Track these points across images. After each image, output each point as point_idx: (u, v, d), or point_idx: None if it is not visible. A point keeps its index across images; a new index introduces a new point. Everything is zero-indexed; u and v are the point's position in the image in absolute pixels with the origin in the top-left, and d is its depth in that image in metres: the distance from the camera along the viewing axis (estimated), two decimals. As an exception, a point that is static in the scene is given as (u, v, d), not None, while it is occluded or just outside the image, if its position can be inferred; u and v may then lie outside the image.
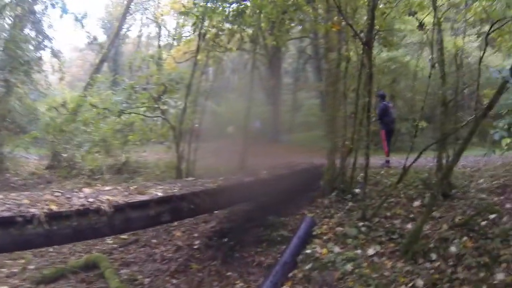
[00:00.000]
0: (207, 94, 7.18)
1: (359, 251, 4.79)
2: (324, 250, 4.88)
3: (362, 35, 5.35)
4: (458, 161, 4.63)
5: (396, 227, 5.31)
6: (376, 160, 8.45)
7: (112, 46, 16.33)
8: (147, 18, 24.11)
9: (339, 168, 6.87)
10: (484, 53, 5.79)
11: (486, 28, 8.90)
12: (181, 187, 4.47)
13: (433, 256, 4.45)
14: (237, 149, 13.66)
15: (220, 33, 7.38)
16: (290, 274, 4.46)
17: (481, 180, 6.50)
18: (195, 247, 5.62)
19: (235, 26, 7.53)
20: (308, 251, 4.85)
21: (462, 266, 4.18)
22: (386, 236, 5.09)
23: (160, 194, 3.89)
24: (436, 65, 6.51)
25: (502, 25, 4.84)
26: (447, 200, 5.86)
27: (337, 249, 4.93)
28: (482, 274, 3.95)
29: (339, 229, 5.39)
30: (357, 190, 6.63)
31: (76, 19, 7.19)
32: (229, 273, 4.73)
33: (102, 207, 3.17)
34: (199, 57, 6.95)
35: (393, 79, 12.01)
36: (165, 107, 6.94)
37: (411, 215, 5.63)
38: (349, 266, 4.39)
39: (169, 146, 7.46)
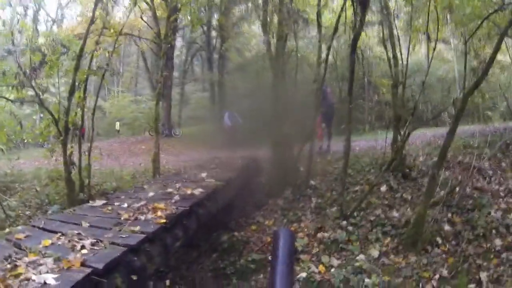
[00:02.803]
0: (103, 73, 4.70)
1: (361, 256, 3.83)
2: (321, 268, 3.62)
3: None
4: (452, 140, 4.08)
5: (382, 218, 4.54)
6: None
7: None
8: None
9: (289, 160, 5.66)
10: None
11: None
12: (95, 239, 2.10)
13: (439, 240, 4.03)
14: (133, 148, 11.20)
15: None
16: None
17: (422, 158, 6.38)
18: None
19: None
20: (302, 274, 3.48)
21: (464, 242, 3.99)
22: (378, 231, 4.22)
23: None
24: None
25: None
26: (408, 181, 5.49)
27: (335, 261, 3.73)
28: (484, 245, 3.90)
29: (323, 235, 4.19)
30: (312, 183, 5.58)
31: None
32: None
33: None
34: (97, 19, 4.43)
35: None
36: (40, 92, 4.11)
37: (386, 202, 4.96)
38: (367, 280, 3.34)
39: (51, 149, 4.61)
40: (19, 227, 2.62)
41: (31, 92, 4.08)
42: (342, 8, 4.49)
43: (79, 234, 2.19)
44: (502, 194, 5.00)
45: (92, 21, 4.35)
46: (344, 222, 4.38)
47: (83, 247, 1.97)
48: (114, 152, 9.62)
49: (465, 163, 6.07)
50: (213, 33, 14.87)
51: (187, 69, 16.59)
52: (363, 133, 12.42)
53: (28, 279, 1.58)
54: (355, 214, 4.54)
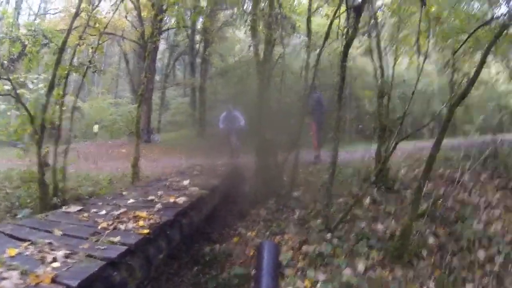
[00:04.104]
0: (85, 70, 4.41)
1: (348, 271, 3.71)
2: (307, 283, 3.51)
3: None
4: (438, 150, 4.10)
5: (366, 231, 4.47)
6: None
7: None
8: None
9: (273, 169, 5.56)
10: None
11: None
12: (69, 250, 1.87)
13: (424, 252, 3.99)
14: (111, 152, 10.75)
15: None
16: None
17: (403, 171, 6.45)
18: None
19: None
20: (288, 289, 3.34)
21: (449, 255, 3.96)
22: (364, 245, 4.15)
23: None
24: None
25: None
26: (391, 193, 5.51)
27: (321, 276, 3.63)
28: (469, 258, 3.89)
29: (308, 248, 4.08)
30: (295, 194, 5.51)
31: None
32: None
33: None
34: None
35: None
36: (18, 86, 3.75)
37: (370, 214, 4.92)
38: (354, 296, 3.19)
39: (25, 149, 4.27)
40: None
41: (7, 87, 3.77)
42: (334, 14, 4.46)
43: (50, 243, 1.96)
44: (482, 206, 5.10)
45: (77, 13, 4.09)
46: (329, 235, 4.28)
47: (54, 259, 1.75)
48: (91, 155, 9.19)
49: (446, 176, 6.22)
50: (197, 38, 14.70)
51: (169, 73, 16.27)
52: (343, 144, 12.54)
53: None
54: (339, 226, 4.48)
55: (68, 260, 1.76)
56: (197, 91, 15.01)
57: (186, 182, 4.37)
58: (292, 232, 4.55)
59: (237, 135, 8.52)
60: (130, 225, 2.43)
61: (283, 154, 5.64)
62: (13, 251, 1.80)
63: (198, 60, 15.19)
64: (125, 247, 2.03)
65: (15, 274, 1.54)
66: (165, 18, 9.89)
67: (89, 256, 1.84)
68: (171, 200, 3.23)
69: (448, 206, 5.00)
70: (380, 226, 4.55)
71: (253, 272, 3.66)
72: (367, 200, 5.27)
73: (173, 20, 12.33)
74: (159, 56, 14.96)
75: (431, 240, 4.22)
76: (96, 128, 13.73)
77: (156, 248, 2.40)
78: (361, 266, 3.76)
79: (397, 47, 7.28)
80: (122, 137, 13.33)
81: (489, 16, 4.25)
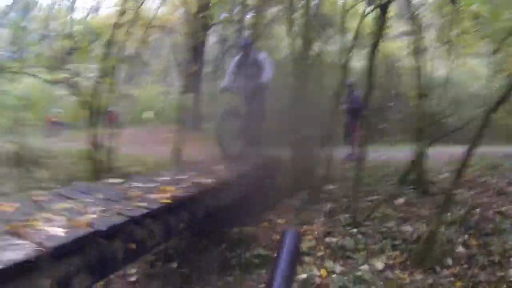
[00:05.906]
0: (132, 61, 4.96)
1: (366, 267, 3.75)
2: (323, 272, 3.62)
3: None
4: (470, 159, 3.90)
5: (393, 231, 4.42)
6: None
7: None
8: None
9: (308, 162, 5.69)
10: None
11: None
12: (105, 208, 2.32)
13: (449, 261, 3.81)
14: (159, 137, 11.55)
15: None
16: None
17: (443, 175, 6.14)
18: (132, 279, 3.64)
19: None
20: (303, 275, 3.53)
21: (477, 268, 3.74)
22: (387, 244, 4.12)
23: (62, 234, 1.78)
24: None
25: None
26: (427, 197, 5.33)
27: (338, 267, 3.72)
28: (498, 273, 3.62)
29: (331, 240, 4.18)
30: (330, 187, 5.57)
31: None
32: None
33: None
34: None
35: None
36: (70, 75, 4.37)
37: (401, 215, 4.82)
38: (366, 291, 3.23)
39: (84, 129, 4.92)
40: (44, 192, 2.89)
41: (63, 75, 4.35)
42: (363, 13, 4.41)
43: (92, 202, 2.48)
44: (526, 221, 4.71)
45: (122, 12, 4.58)
46: (355, 230, 4.32)
47: (93, 212, 2.22)
48: (141, 139, 10.00)
49: (491, 185, 5.78)
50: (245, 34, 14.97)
51: (218, 66, 16.79)
52: (392, 145, 12.11)
53: (42, 230, 1.86)
54: (367, 223, 4.48)
55: (103, 214, 2.21)
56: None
57: (220, 167, 4.64)
58: (320, 223, 4.63)
59: (255, 104, 5.21)
60: (157, 195, 2.79)
61: (318, 148, 5.72)
62: (62, 205, 2.32)
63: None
64: (147, 210, 2.42)
65: (61, 218, 2.03)
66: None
67: (119, 213, 2.26)
68: (201, 180, 3.52)
69: (487, 217, 4.66)
70: (409, 228, 4.43)
71: (274, 255, 3.86)
72: (401, 201, 5.16)
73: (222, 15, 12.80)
74: (209, 49, 15.55)
75: (460, 249, 4.01)
76: (147, 114, 14.67)
77: (177, 218, 2.74)
78: (379, 264, 3.73)
79: (450, 47, 6.88)
80: (171, 124, 14.12)
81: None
